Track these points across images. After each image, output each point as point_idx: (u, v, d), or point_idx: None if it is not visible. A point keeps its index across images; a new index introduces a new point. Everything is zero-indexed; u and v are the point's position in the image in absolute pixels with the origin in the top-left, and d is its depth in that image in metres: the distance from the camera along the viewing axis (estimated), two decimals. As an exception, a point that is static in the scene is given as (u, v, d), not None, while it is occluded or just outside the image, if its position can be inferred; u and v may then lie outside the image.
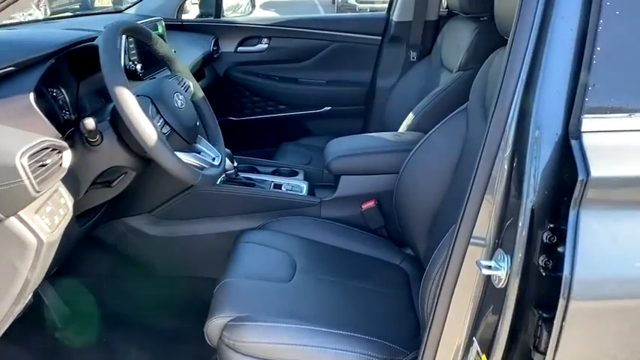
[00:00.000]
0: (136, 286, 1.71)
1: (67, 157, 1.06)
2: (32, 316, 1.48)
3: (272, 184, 1.74)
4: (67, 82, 1.37)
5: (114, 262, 1.71)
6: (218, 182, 1.70)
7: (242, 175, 1.74)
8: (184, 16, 2.52)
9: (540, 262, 0.79)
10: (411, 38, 2.35)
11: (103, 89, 1.42)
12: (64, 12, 10.74)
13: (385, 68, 2.45)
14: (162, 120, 1.15)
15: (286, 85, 2.52)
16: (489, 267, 0.83)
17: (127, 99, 1.03)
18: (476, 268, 0.85)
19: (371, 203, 1.63)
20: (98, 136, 1.13)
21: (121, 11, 2.38)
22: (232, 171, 1.67)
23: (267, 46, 2.50)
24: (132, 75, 1.52)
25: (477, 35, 1.78)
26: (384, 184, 1.63)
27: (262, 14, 11.55)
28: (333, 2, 12.25)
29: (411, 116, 1.84)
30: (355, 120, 2.57)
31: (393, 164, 1.59)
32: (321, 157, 2.18)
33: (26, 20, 2.04)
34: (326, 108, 2.55)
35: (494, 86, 1.30)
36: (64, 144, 1.05)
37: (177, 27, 2.40)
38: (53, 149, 1.01)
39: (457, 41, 1.91)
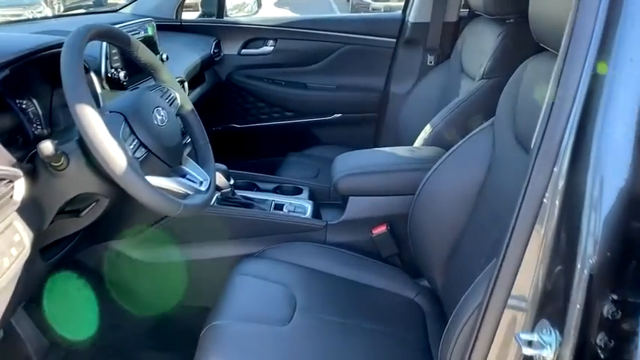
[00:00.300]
0: (120, 315, 1.55)
1: (20, 188, 0.90)
2: (3, 351, 1.34)
3: (273, 203, 1.57)
4: (38, 91, 1.21)
5: (96, 288, 1.55)
6: (212, 202, 1.53)
7: (240, 193, 1.57)
8: (185, 16, 2.37)
9: (599, 341, 0.61)
10: (428, 41, 2.16)
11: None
12: (77, 9, 10.72)
13: (400, 73, 2.26)
14: (136, 141, 0.98)
15: (293, 90, 2.35)
16: (531, 343, 0.65)
17: (90, 118, 0.87)
18: (514, 339, 0.68)
19: (382, 228, 1.45)
20: (63, 159, 0.97)
21: (116, 10, 2.23)
22: (228, 189, 1.51)
23: (272, 48, 2.33)
24: (114, 84, 1.35)
25: (503, 40, 1.59)
26: (397, 206, 1.45)
27: (276, 12, 11.43)
28: (348, 0, 12.04)
29: (428, 129, 1.66)
30: (367, 128, 2.39)
31: (408, 184, 1.42)
32: (329, 168, 2.01)
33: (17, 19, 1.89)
34: (336, 115, 2.38)
35: (527, 101, 1.12)
36: (16, 172, 0.89)
37: (175, 28, 2.24)
38: (1, 179, 0.85)
39: (480, 45, 1.72)
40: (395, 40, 2.27)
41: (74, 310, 1.51)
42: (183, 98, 1.24)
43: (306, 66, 2.36)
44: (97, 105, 1.09)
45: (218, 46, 2.25)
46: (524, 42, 1.60)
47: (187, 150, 1.50)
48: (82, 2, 11.87)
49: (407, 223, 1.35)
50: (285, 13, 11.55)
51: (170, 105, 1.17)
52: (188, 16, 2.48)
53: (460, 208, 1.23)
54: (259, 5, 2.51)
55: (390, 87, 2.28)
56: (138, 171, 0.92)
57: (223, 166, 1.48)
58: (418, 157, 1.51)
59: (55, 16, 2.02)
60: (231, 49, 2.31)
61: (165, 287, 1.56)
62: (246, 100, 2.37)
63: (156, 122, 1.05)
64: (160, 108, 1.08)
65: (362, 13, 2.50)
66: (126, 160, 0.89)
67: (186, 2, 2.29)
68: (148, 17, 2.16)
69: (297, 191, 1.68)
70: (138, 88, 1.33)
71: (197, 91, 2.04)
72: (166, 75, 1.22)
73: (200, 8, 2.47)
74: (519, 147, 1.10)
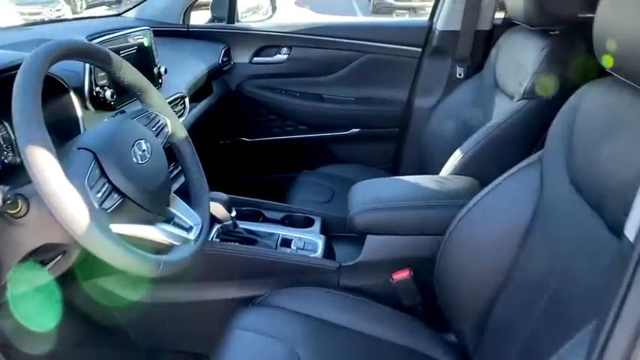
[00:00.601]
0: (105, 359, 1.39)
1: None
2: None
3: (280, 238, 1.38)
4: (9, 112, 1.05)
5: (82, 329, 1.38)
6: (211, 237, 1.36)
7: (243, 225, 1.39)
8: (198, 16, 2.20)
9: None
10: (457, 51, 1.96)
11: (57, 124, 1.10)
12: (99, 6, 10.70)
13: (425, 85, 2.06)
14: (107, 186, 0.80)
15: (308, 102, 2.16)
16: None
17: (42, 161, 0.70)
18: None
19: (405, 273, 1.26)
20: (21, 204, 0.80)
21: (119, 14, 2.06)
22: (230, 222, 1.32)
23: (287, 56, 2.14)
24: (100, 104, 1.18)
25: (549, 55, 1.37)
26: (423, 248, 1.26)
27: (296, 11, 11.25)
28: (369, 0, 11.82)
29: (458, 154, 1.45)
30: (387, 145, 2.19)
31: (436, 223, 1.23)
32: (344, 191, 1.82)
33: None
34: (353, 130, 2.18)
35: (587, 140, 0.91)
36: None
37: (182, 34, 2.07)
38: None
39: (519, 59, 1.51)
40: (420, 49, 2.07)
41: (52, 355, 1.34)
42: (174, 124, 1.06)
43: (322, 76, 2.17)
44: (63, 137, 0.92)
45: (228, 53, 2.08)
46: (572, 58, 1.40)
47: (177, 184, 1.33)
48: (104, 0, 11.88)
49: (434, 268, 1.16)
50: (305, 12, 11.39)
51: (158, 134, 1.00)
52: (201, 16, 2.31)
53: (500, 255, 1.04)
54: (274, 9, 2.32)
55: (414, 100, 2.08)
56: (102, 225, 0.74)
57: (224, 196, 1.30)
58: (448, 190, 1.31)
59: (50, 21, 1.85)
60: (242, 57, 2.13)
61: (155, 330, 1.39)
62: (257, 112, 2.19)
63: (135, 160, 0.87)
64: (142, 141, 0.90)
65: (384, 19, 2.30)
66: (87, 214, 0.72)
67: (199, 1, 2.11)
68: (153, 22, 2.02)
69: (307, 222, 1.49)
70: (123, 111, 1.15)
71: (203, 103, 1.87)
72: (155, 97, 1.04)
73: (210, 12, 2.29)
74: (577, 195, 0.90)
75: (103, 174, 0.81)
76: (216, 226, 1.38)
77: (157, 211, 0.91)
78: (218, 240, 1.35)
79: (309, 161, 2.16)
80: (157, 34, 1.94)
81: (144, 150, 0.89)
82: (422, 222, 1.27)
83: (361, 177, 1.98)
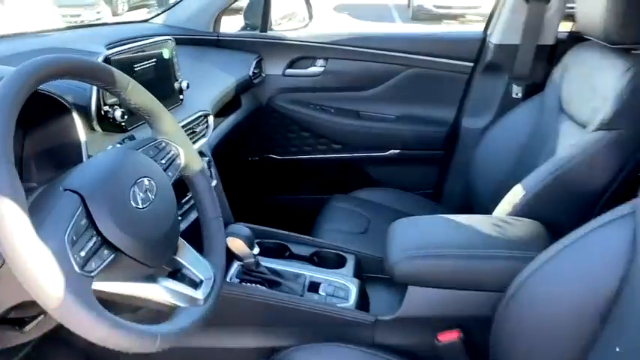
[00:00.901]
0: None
1: None
2: None
3: (307, 280, 1.21)
4: None
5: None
6: (230, 277, 1.19)
7: (266, 263, 1.22)
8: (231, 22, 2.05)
9: None
10: (515, 67, 1.75)
11: (54, 151, 0.95)
12: (141, 8, 10.80)
13: (476, 105, 1.86)
14: (96, 239, 0.64)
15: (344, 119, 1.98)
16: None
17: (2, 208, 0.54)
18: None
19: (453, 335, 1.06)
20: None
21: (146, 20, 1.94)
22: (252, 260, 1.16)
23: (323, 69, 1.97)
24: (109, 125, 1.03)
25: (634, 78, 1.16)
26: (477, 306, 1.06)
27: (335, 17, 11.11)
28: (409, 6, 11.58)
29: (518, 191, 1.24)
30: (430, 169, 2.00)
31: (494, 277, 1.03)
32: (382, 219, 1.64)
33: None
34: (393, 151, 1.99)
35: None
36: None
37: (212, 42, 1.92)
38: None
39: (593, 82, 1.30)
40: (472, 64, 1.86)
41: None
42: (189, 155, 0.90)
43: (360, 91, 2.00)
44: (62, 165, 0.77)
45: (259, 65, 1.92)
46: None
47: (187, 222, 1.17)
48: (145, 2, 12.00)
49: (488, 331, 0.96)
50: (344, 18, 11.24)
51: (167, 167, 0.83)
52: (234, 22, 2.16)
53: (578, 324, 0.83)
54: (311, 16, 2.15)
55: (462, 121, 1.88)
56: (81, 296, 0.58)
57: (246, 230, 1.13)
58: (510, 237, 1.11)
59: (71, 27, 1.73)
60: (274, 68, 1.97)
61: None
62: (289, 128, 2.02)
63: (134, 204, 0.70)
64: (145, 179, 0.74)
65: (432, 30, 2.11)
66: (62, 281, 0.56)
67: (232, 6, 1.96)
68: (181, 29, 1.89)
69: (339, 261, 1.31)
70: (133, 137, 1.00)
71: (231, 119, 1.72)
72: (168, 122, 0.88)
73: (243, 19, 2.14)
74: None
75: (92, 224, 0.65)
76: (236, 264, 1.22)
77: (159, 265, 0.75)
78: (237, 280, 1.18)
79: (342, 183, 1.98)
80: (185, 42, 1.81)
81: (147, 190, 0.73)
82: (477, 275, 1.07)
83: (399, 204, 1.80)
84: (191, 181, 0.91)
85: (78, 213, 0.64)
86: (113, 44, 1.45)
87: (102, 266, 0.64)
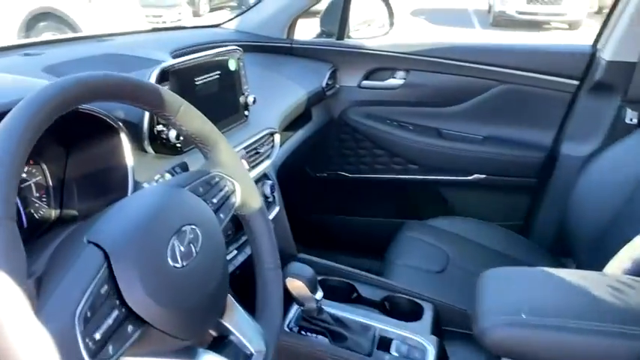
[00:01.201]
0: None
1: None
2: None
3: (376, 334, 1.04)
4: (48, 153, 0.81)
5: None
6: (288, 324, 1.04)
7: (329, 308, 1.06)
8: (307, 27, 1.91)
9: None
10: (631, 88, 1.49)
11: (100, 173, 0.84)
12: (222, 9, 11.01)
13: (579, 129, 1.61)
14: (119, 311, 0.51)
15: (423, 137, 1.79)
16: None
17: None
18: None
19: None
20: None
21: (217, 25, 1.84)
22: (314, 306, 1.00)
23: (403, 81, 1.79)
24: (163, 147, 0.92)
25: None
26: None
27: (411, 22, 10.81)
28: (489, 11, 11.07)
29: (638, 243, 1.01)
30: (520, 198, 1.77)
31: (614, 357, 0.82)
32: (463, 256, 1.45)
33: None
34: (478, 176, 1.78)
35: None
36: None
37: (285, 50, 1.79)
38: None
39: None
40: (577, 82, 1.62)
41: None
42: (247, 191, 0.75)
43: (443, 107, 1.80)
44: (102, 195, 0.66)
45: (334, 75, 1.77)
46: None
47: (237, 262, 1.03)
48: (227, 3, 12.23)
49: None
50: (420, 23, 10.92)
51: (219, 208, 0.69)
52: (310, 26, 2.01)
53: None
54: (392, 24, 1.97)
55: (562, 146, 1.64)
56: None
57: (309, 271, 0.97)
58: (633, 307, 0.89)
59: (138, 32, 1.65)
60: (349, 79, 1.81)
61: None
62: (361, 144, 1.86)
63: (172, 262, 0.56)
64: (188, 228, 0.60)
65: (530, 43, 1.88)
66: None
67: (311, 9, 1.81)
68: (253, 35, 1.77)
69: (414, 310, 1.13)
70: (185, 167, 0.86)
71: (299, 133, 1.58)
72: (224, 152, 0.74)
73: (319, 26, 1.99)
74: None
75: (115, 291, 0.51)
76: (296, 308, 1.07)
77: (199, 337, 0.61)
78: (296, 328, 1.03)
79: (417, 208, 1.80)
80: (255, 49, 1.70)
81: (190, 242, 0.59)
82: (589, 355, 0.86)
83: (483, 237, 1.58)
84: (247, 221, 0.76)
85: (98, 277, 0.50)
86: (179, 51, 1.35)
87: (122, 350, 0.50)
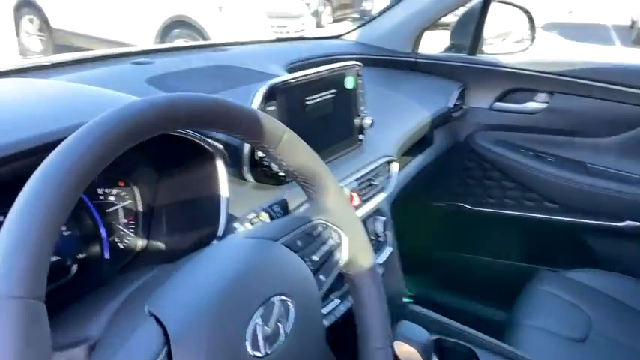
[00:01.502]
0: None
1: None
2: None
3: None
4: (140, 175, 0.73)
5: None
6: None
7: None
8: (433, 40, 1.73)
9: None
10: None
11: (192, 203, 0.74)
12: (344, 20, 11.09)
13: None
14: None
15: (566, 172, 1.53)
16: None
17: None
18: None
19: None
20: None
21: (338, 37, 1.72)
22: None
23: (545, 105, 1.54)
24: (264, 176, 0.80)
25: None
26: None
27: (543, 36, 10.05)
28: (631, 27, 9.96)
29: None
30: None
31: None
32: (611, 320, 1.21)
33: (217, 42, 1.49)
34: (630, 223, 1.48)
35: None
36: None
37: (409, 65, 1.63)
38: None
39: None
40: None
41: None
42: (356, 245, 0.60)
43: (593, 137, 1.52)
44: (188, 230, 0.57)
45: (462, 95, 1.57)
46: None
47: (338, 313, 0.87)
48: (350, 14, 12.30)
49: None
50: (553, 38, 10.12)
51: (319, 268, 0.55)
52: (438, 39, 1.82)
53: None
54: (533, 38, 1.72)
55: None
56: None
57: (423, 335, 0.81)
58: None
59: (252, 42, 1.56)
60: (480, 100, 1.60)
61: None
62: (488, 174, 1.63)
63: (252, 350, 0.42)
64: (277, 299, 0.46)
65: None
66: None
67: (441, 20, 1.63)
68: (376, 48, 1.63)
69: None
70: (286, 207, 0.73)
71: (419, 159, 1.41)
72: (332, 195, 0.60)
73: (449, 39, 1.78)
74: None
75: None
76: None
77: None
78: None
79: (551, 255, 1.54)
80: (377, 63, 1.55)
81: (278, 320, 0.45)
82: None
83: (634, 299, 1.31)
84: (354, 284, 0.61)
85: None
86: (295, 64, 1.25)
87: None
